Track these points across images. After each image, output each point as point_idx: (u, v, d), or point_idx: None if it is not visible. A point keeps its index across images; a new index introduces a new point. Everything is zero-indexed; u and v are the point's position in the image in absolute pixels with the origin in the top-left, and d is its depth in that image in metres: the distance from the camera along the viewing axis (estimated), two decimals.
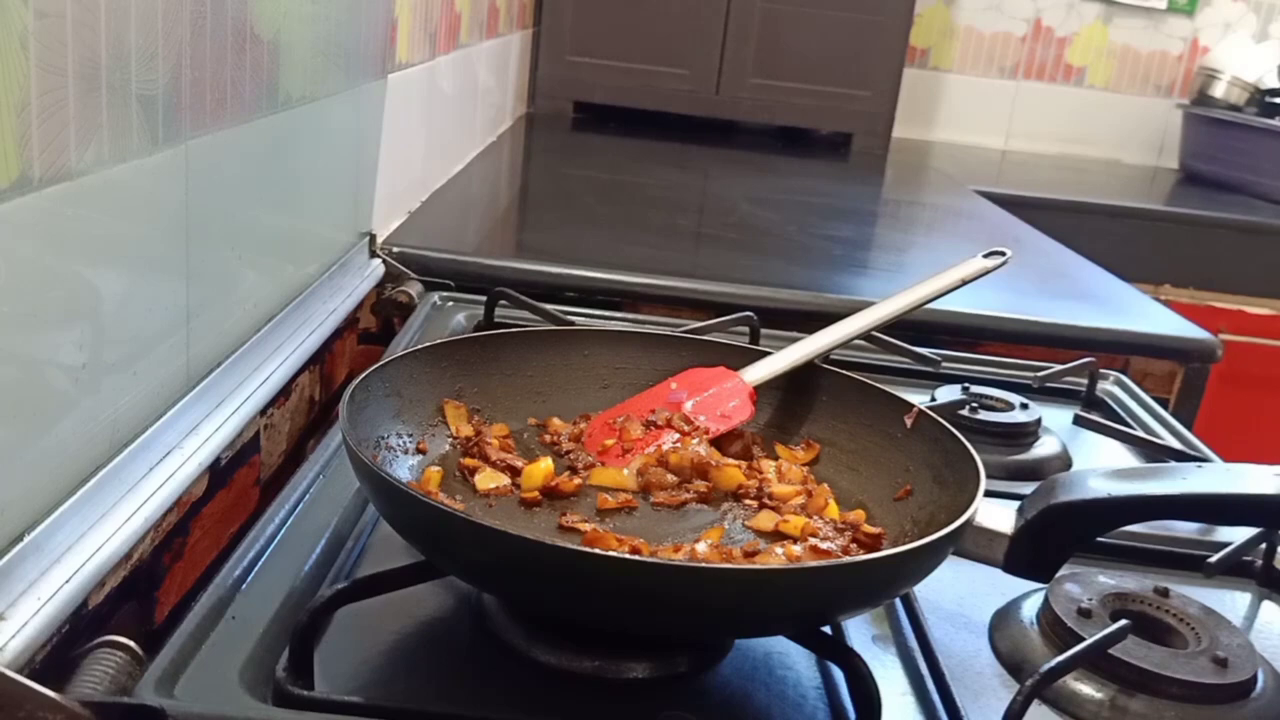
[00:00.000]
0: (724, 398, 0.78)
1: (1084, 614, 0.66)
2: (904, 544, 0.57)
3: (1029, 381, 1.12)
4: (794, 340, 0.82)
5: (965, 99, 3.01)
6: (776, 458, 0.77)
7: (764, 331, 1.08)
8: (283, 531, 0.69)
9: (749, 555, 0.64)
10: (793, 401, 0.80)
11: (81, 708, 0.46)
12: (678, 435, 0.76)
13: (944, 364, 1.12)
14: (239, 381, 0.83)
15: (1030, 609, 0.69)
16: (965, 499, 0.61)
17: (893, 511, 0.70)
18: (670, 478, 0.72)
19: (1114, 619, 0.64)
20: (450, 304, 1.18)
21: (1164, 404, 1.18)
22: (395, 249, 1.25)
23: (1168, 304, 1.72)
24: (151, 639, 0.58)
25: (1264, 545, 0.80)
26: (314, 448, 0.82)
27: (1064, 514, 0.62)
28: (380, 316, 1.21)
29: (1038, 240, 1.81)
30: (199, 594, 0.61)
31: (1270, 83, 2.66)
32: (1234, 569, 0.78)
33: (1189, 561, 0.78)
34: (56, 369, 0.59)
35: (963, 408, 0.96)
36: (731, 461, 0.75)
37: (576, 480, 0.71)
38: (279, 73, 0.86)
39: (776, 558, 0.63)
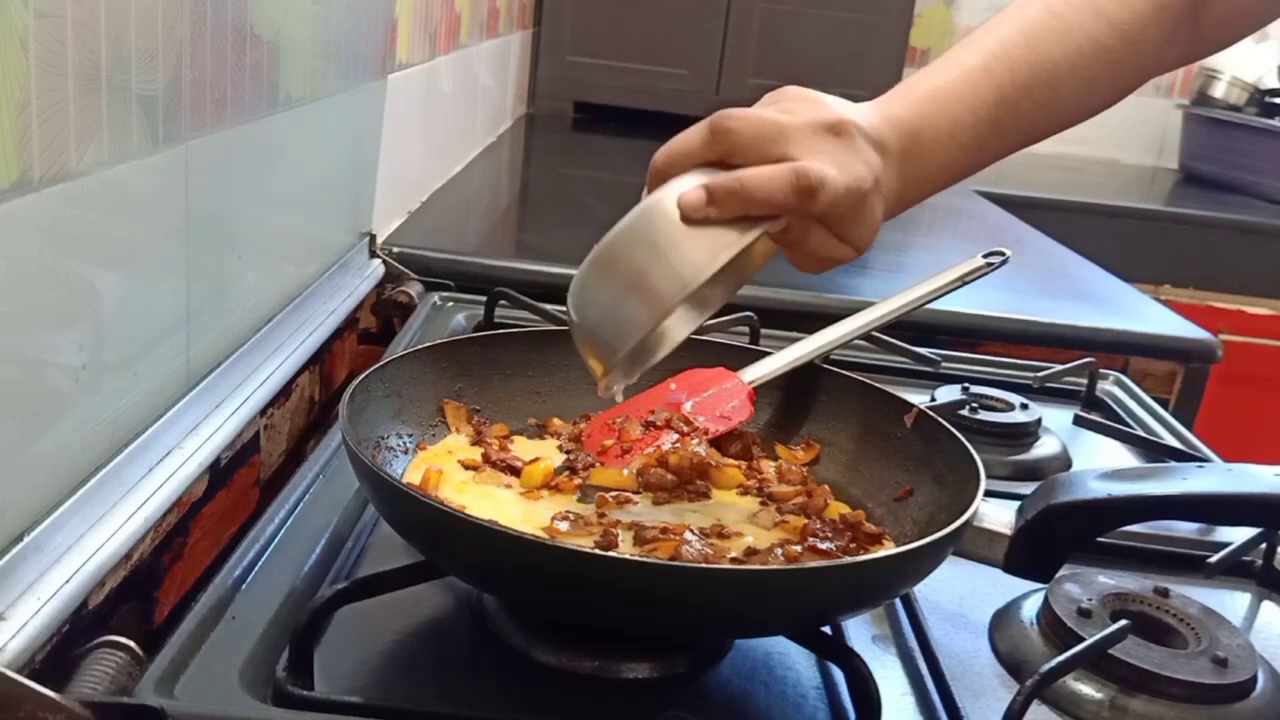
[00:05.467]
0: (723, 398, 0.78)
1: (1084, 614, 0.66)
2: (904, 544, 0.57)
3: (1029, 381, 1.12)
4: (794, 340, 0.82)
5: None
6: (776, 458, 0.77)
7: (764, 331, 1.08)
8: (283, 531, 0.69)
9: (749, 555, 0.64)
10: (793, 401, 0.80)
11: (81, 708, 0.46)
12: (677, 435, 0.75)
13: (944, 364, 1.12)
14: (239, 382, 0.83)
15: (1030, 609, 0.69)
16: (965, 499, 0.61)
17: (893, 511, 0.70)
18: (670, 478, 0.72)
19: (1114, 619, 0.64)
20: (450, 304, 1.18)
21: (1164, 404, 1.18)
22: (395, 249, 1.25)
23: (1168, 304, 1.72)
24: (151, 639, 0.58)
25: (1264, 545, 0.80)
26: (314, 448, 0.82)
27: (1064, 514, 0.62)
28: (380, 317, 1.21)
29: (1038, 240, 1.81)
30: (199, 594, 0.61)
31: (1270, 83, 2.66)
32: (1234, 569, 0.78)
33: (1189, 561, 0.78)
34: (56, 369, 0.59)
35: (963, 408, 0.96)
36: (731, 461, 0.75)
37: (576, 480, 0.71)
38: (279, 73, 0.86)
39: (776, 558, 0.63)
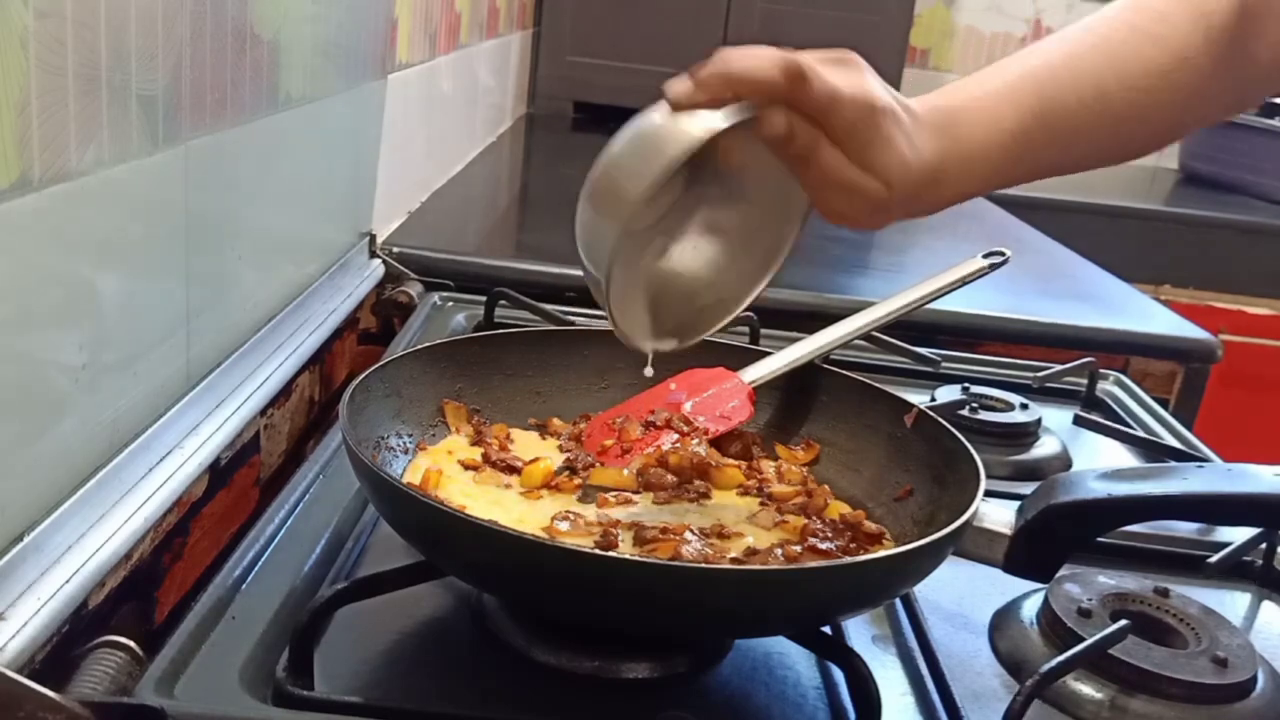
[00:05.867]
0: (723, 398, 0.78)
1: (1084, 614, 0.66)
2: (904, 544, 0.57)
3: (1029, 381, 1.12)
4: (794, 340, 0.82)
5: None
6: (776, 458, 0.77)
7: (764, 331, 1.08)
8: (283, 531, 0.69)
9: (749, 555, 0.64)
10: (793, 401, 0.80)
11: (81, 708, 0.46)
12: (677, 435, 0.76)
13: (944, 364, 1.12)
14: (239, 382, 0.83)
15: (1030, 609, 0.69)
16: (965, 499, 0.61)
17: (893, 511, 0.70)
18: (670, 478, 0.72)
19: (1114, 619, 0.64)
20: (450, 304, 1.18)
21: (1164, 404, 1.18)
22: (395, 249, 1.25)
23: (1168, 304, 1.72)
24: (151, 639, 0.58)
25: (1264, 545, 0.80)
26: (314, 448, 0.82)
27: (1064, 514, 0.62)
28: (380, 316, 1.21)
29: (1038, 240, 1.81)
30: (199, 594, 0.61)
31: None
32: (1234, 569, 0.78)
33: (1189, 561, 0.78)
34: (56, 369, 0.59)
35: (963, 408, 0.96)
36: (731, 461, 0.75)
37: (576, 480, 0.71)
38: (279, 73, 0.86)
39: (776, 558, 0.63)
